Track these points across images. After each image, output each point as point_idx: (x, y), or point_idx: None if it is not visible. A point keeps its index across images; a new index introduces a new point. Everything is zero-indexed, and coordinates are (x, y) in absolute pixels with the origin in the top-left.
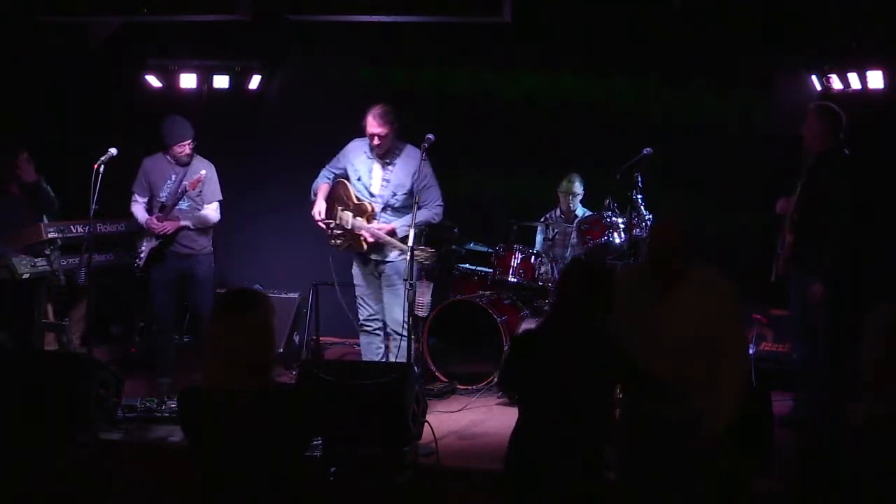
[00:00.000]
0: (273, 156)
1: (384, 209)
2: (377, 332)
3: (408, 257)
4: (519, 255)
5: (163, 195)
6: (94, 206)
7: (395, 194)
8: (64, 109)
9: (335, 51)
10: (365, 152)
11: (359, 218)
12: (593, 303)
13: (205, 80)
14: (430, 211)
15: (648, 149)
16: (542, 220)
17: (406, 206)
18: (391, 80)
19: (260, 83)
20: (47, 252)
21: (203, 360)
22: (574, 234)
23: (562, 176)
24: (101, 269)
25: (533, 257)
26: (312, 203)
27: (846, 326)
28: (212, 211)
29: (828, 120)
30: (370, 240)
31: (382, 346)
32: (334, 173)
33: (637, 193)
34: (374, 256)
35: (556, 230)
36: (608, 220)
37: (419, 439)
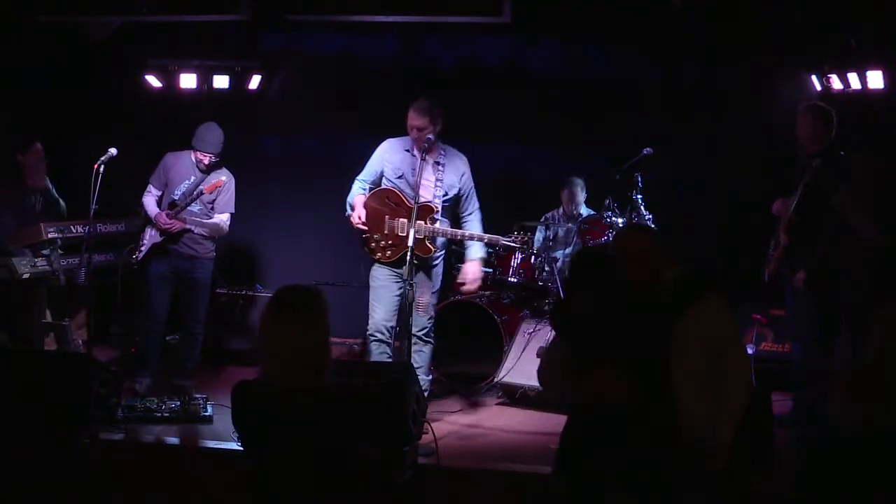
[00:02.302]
0: (273, 156)
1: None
2: (389, 340)
3: (430, 263)
4: (519, 255)
5: (177, 193)
6: (94, 206)
7: (446, 194)
8: (64, 110)
9: (335, 51)
10: (406, 150)
11: (419, 221)
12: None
13: (205, 80)
14: (478, 218)
15: (648, 149)
16: (543, 219)
17: (449, 209)
18: (390, 80)
19: (260, 83)
20: (47, 252)
21: (261, 356)
22: (575, 234)
23: (561, 178)
24: (101, 269)
25: (533, 257)
26: (349, 216)
27: (833, 324)
28: (222, 221)
29: (822, 118)
30: (452, 236)
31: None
32: (368, 183)
33: (637, 193)
34: (415, 261)
35: (555, 230)
36: (608, 220)
37: (419, 439)
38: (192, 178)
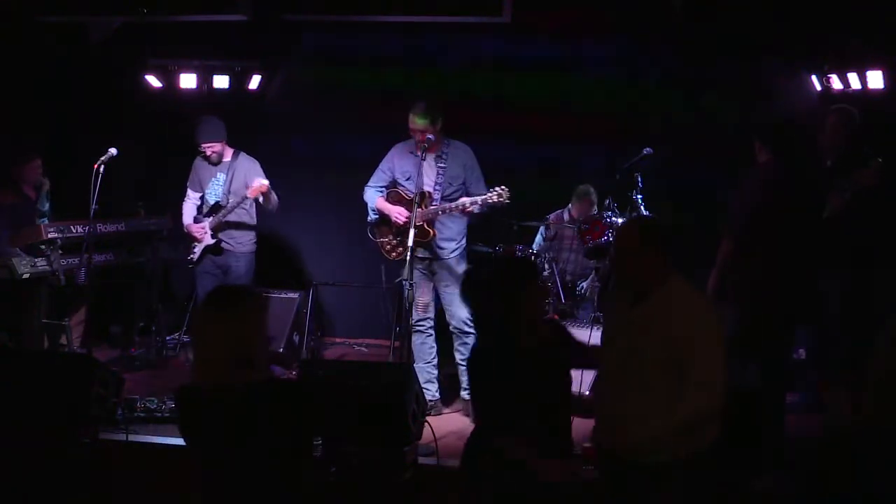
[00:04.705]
0: (273, 156)
1: (441, 199)
2: (430, 331)
3: (448, 255)
4: (519, 255)
5: (208, 193)
6: (94, 206)
7: (451, 184)
8: (64, 110)
9: (335, 51)
10: (411, 152)
11: (418, 210)
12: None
13: (205, 80)
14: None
15: (648, 149)
16: (546, 219)
17: (457, 199)
18: (390, 80)
19: (260, 83)
20: (48, 252)
21: (193, 356)
22: (575, 235)
23: (565, 178)
24: (101, 269)
25: (532, 257)
26: (377, 218)
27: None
28: (262, 201)
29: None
30: (439, 216)
31: (435, 345)
32: (383, 186)
33: (637, 193)
34: (427, 254)
35: (554, 230)
36: (608, 220)
37: (419, 439)
38: (220, 176)
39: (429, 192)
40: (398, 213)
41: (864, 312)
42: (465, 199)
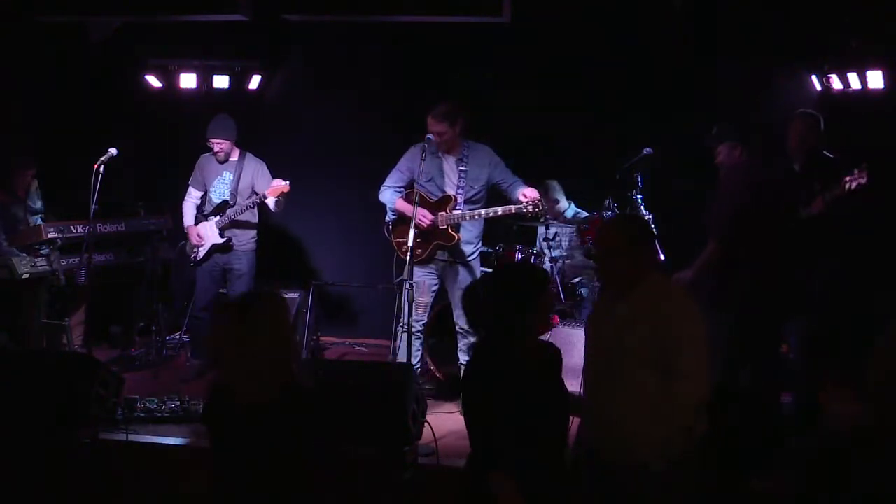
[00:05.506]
0: (273, 156)
1: (465, 203)
2: (418, 333)
3: (466, 258)
4: (519, 255)
5: (212, 191)
6: (94, 206)
7: (472, 187)
8: (64, 110)
9: (335, 51)
10: (431, 153)
11: (441, 213)
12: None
13: (205, 80)
14: (520, 182)
15: (648, 149)
16: (546, 219)
17: (482, 199)
18: (390, 81)
19: (260, 83)
20: (45, 252)
21: (216, 360)
22: (574, 234)
23: (565, 178)
24: (101, 269)
25: (533, 257)
26: (395, 218)
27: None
28: (272, 203)
29: (808, 124)
30: (470, 217)
31: (421, 348)
32: (401, 187)
33: (637, 193)
34: (447, 257)
35: (554, 230)
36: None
37: (419, 439)
38: (226, 174)
39: (453, 196)
40: (421, 216)
41: (849, 306)
42: (498, 208)
